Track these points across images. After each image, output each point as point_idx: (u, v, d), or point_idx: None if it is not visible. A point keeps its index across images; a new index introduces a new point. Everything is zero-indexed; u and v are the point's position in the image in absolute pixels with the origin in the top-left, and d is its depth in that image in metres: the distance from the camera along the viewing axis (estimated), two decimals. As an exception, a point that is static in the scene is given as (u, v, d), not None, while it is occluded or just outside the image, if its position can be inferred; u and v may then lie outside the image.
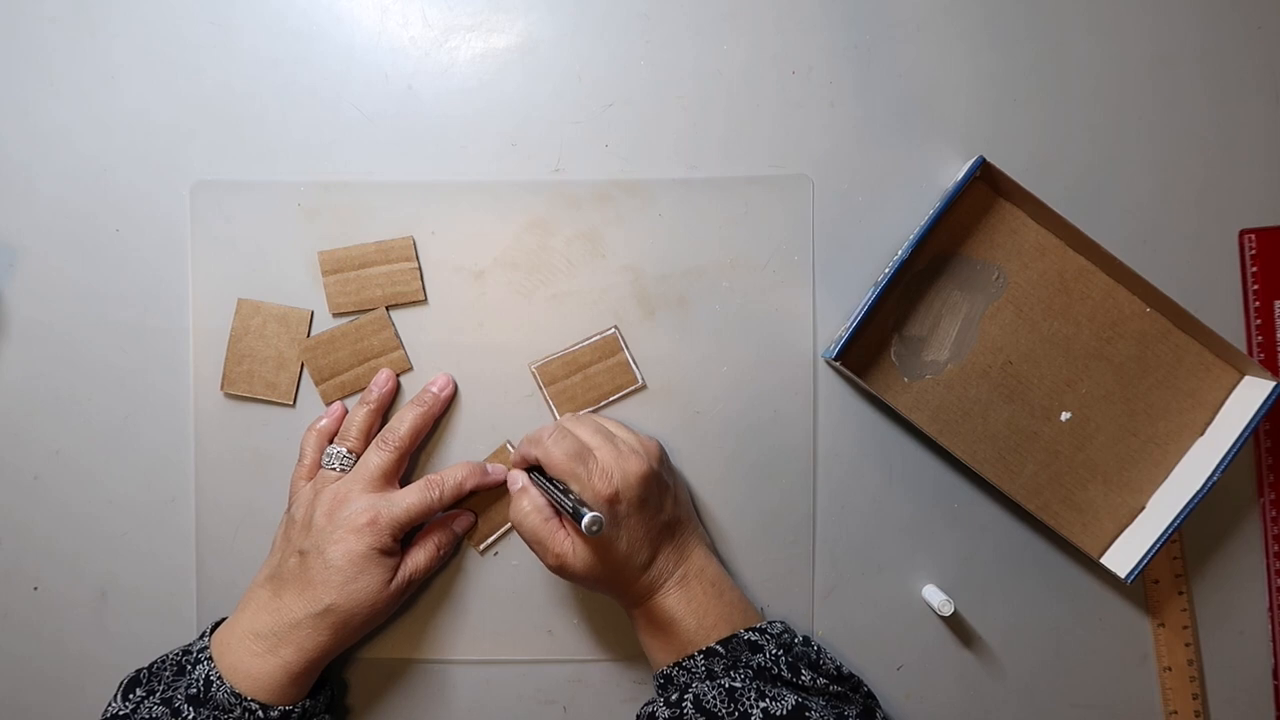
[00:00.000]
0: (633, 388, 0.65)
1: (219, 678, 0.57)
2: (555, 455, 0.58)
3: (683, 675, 0.58)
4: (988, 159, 0.61)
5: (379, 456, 0.61)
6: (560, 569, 0.58)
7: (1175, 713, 0.65)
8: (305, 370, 0.65)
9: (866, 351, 0.64)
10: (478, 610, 0.65)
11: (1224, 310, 0.65)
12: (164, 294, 0.65)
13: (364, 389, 0.64)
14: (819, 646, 0.61)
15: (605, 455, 0.58)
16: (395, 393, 0.65)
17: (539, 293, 0.65)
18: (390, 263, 0.65)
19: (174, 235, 0.65)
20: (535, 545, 0.59)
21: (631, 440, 0.61)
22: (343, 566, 0.58)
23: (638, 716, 0.60)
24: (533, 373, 0.65)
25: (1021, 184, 0.61)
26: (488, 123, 0.66)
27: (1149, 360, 0.64)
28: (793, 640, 0.60)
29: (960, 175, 0.62)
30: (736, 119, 0.66)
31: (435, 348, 0.65)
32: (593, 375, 0.65)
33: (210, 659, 0.57)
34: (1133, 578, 0.61)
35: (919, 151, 0.66)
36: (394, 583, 0.60)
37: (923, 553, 0.66)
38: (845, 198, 0.66)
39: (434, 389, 0.64)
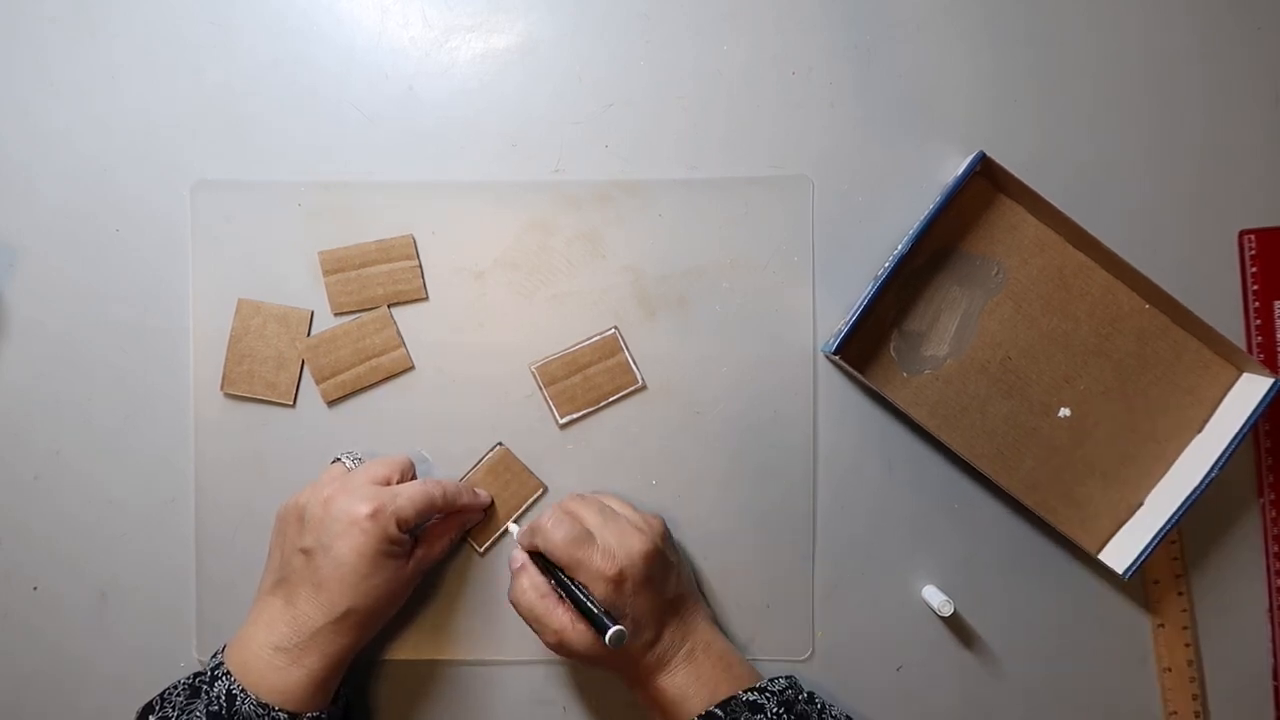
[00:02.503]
0: (633, 388, 0.65)
1: (242, 691, 0.55)
2: (556, 541, 0.57)
3: None
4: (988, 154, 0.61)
5: (386, 466, 0.61)
6: (559, 646, 0.57)
7: (1175, 713, 0.65)
8: (305, 370, 0.65)
9: (866, 346, 0.64)
10: (477, 611, 0.65)
11: (1223, 311, 0.65)
12: (164, 294, 0.65)
13: (364, 388, 0.64)
14: (824, 703, 0.59)
15: (607, 536, 0.57)
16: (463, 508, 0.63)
17: (539, 293, 0.65)
18: (391, 261, 0.65)
19: (174, 235, 0.65)
20: (533, 623, 0.58)
21: (635, 518, 0.60)
22: (355, 564, 0.56)
23: None
24: (533, 373, 0.65)
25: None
26: (488, 123, 0.66)
27: (1148, 357, 0.64)
28: (797, 697, 0.58)
29: (960, 170, 0.62)
30: (736, 119, 0.66)
31: (435, 348, 0.65)
32: (592, 375, 0.65)
33: (228, 674, 0.56)
34: (1130, 574, 0.61)
35: (919, 152, 0.66)
36: (408, 572, 0.59)
37: (923, 553, 0.66)
38: (845, 198, 0.66)
39: (482, 496, 0.64)
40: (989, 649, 0.66)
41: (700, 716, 0.56)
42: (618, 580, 0.56)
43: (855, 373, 0.63)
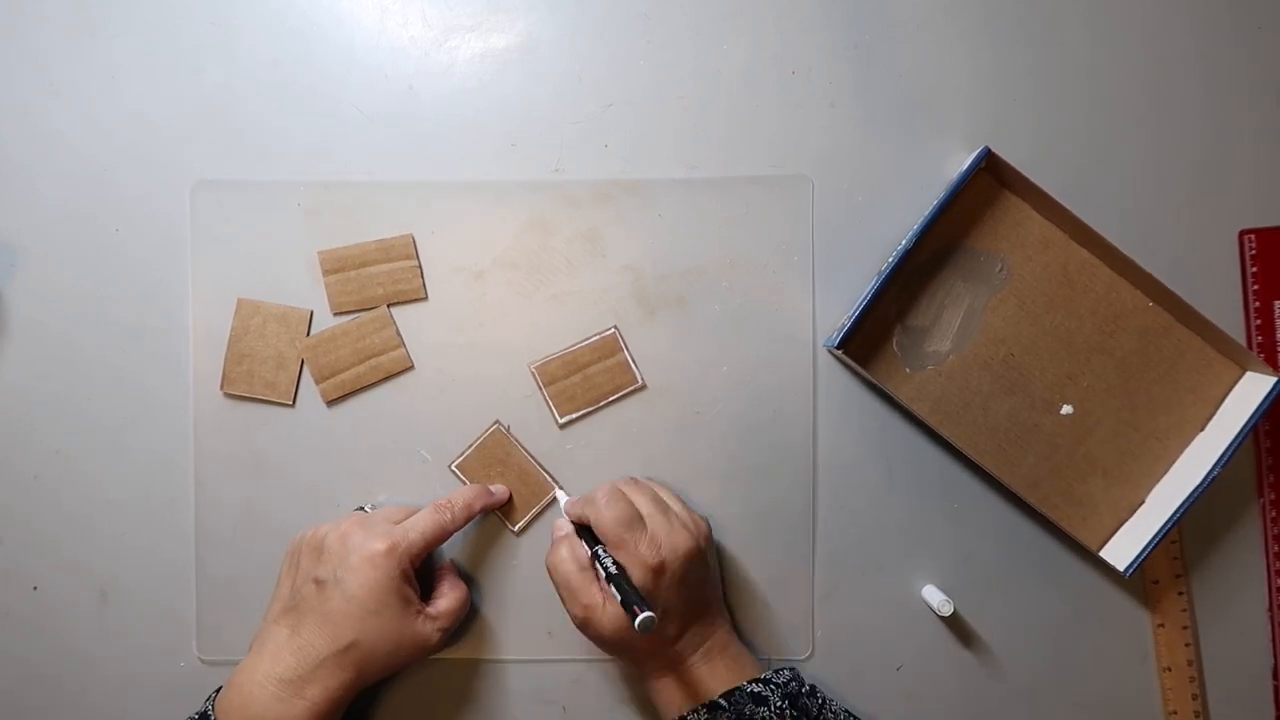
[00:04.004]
0: (632, 388, 0.65)
1: None
2: (606, 518, 0.57)
3: None
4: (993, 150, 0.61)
5: (401, 509, 0.62)
6: (585, 623, 0.58)
7: (1175, 713, 0.65)
8: (305, 370, 0.65)
9: (869, 342, 0.64)
10: (478, 611, 0.65)
11: (1224, 310, 0.65)
12: (164, 294, 0.65)
13: (364, 388, 0.65)
14: (825, 697, 0.60)
15: (656, 525, 0.58)
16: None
17: (539, 293, 0.65)
18: (391, 261, 0.65)
19: (174, 235, 0.65)
20: (566, 593, 0.59)
21: (684, 515, 0.60)
22: (363, 599, 0.57)
23: None
24: (532, 372, 0.65)
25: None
26: (488, 123, 0.66)
27: (1151, 355, 0.64)
28: (800, 690, 0.59)
29: (965, 165, 0.62)
30: (736, 119, 0.66)
31: (435, 348, 0.65)
32: (592, 375, 0.65)
33: None
34: (1131, 571, 0.61)
35: (919, 151, 0.66)
36: (415, 625, 0.59)
37: (923, 553, 0.66)
38: (845, 198, 0.66)
39: (495, 491, 0.64)
40: (989, 649, 0.66)
41: (704, 705, 0.57)
42: (658, 570, 0.57)
43: (858, 368, 0.63)
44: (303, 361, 0.65)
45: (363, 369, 0.65)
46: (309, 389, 0.65)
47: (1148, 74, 0.66)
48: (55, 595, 0.65)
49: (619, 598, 0.55)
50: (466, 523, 0.62)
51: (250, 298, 0.65)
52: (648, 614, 0.53)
